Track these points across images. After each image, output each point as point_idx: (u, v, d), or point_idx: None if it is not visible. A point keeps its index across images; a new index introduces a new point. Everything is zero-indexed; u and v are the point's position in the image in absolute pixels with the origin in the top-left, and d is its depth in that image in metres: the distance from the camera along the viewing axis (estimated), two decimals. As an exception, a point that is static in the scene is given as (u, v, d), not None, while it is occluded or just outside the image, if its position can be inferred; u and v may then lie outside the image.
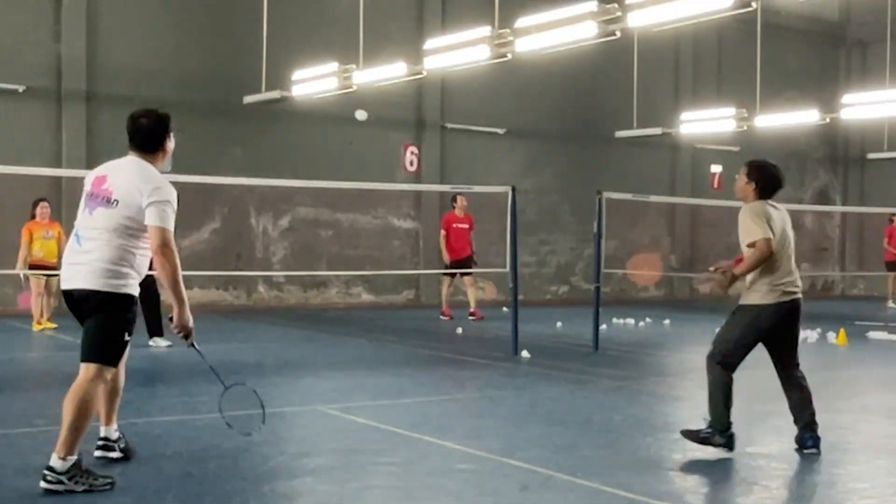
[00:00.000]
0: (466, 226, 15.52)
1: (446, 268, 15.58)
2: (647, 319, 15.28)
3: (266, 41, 15.19)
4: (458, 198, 15.55)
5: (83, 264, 5.03)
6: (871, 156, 23.69)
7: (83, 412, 4.86)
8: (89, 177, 5.26)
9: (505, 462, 5.66)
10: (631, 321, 15.07)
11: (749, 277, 6.06)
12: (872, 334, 13.68)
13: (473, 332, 13.53)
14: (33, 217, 12.66)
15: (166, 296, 5.08)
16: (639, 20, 10.26)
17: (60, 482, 4.78)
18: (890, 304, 19.81)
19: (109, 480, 4.91)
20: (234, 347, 11.21)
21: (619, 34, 10.60)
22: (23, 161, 12.64)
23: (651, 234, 21.67)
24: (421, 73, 13.61)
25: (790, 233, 6.26)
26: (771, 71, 19.53)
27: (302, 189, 16.43)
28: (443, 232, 15.59)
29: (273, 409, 7.39)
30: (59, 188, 15.10)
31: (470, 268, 15.38)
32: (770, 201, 6.29)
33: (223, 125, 16.87)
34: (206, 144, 16.58)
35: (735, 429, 6.13)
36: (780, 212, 6.29)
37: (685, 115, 19.49)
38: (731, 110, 18.00)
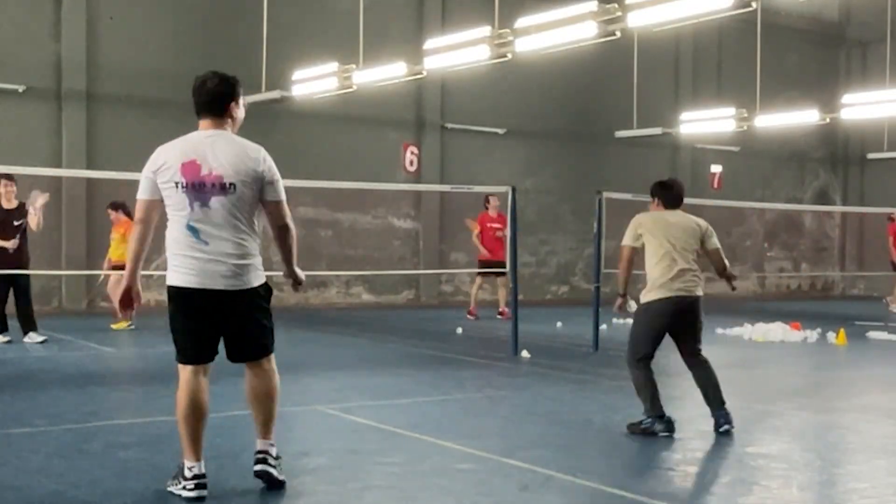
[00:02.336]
0: (500, 226, 15.13)
1: (479, 267, 15.52)
2: (647, 319, 15.25)
3: (266, 41, 15.20)
4: (491, 198, 15.26)
5: (229, 263, 4.73)
6: (871, 156, 23.68)
7: (277, 398, 5.03)
8: (172, 167, 4.75)
9: (505, 462, 5.66)
10: (631, 321, 15.04)
11: (648, 278, 6.69)
12: (872, 334, 13.68)
13: (473, 332, 13.53)
14: None
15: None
16: (639, 20, 10.26)
17: (279, 466, 5.00)
18: (892, 307, 19.74)
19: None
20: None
21: (619, 34, 10.60)
22: (23, 161, 12.63)
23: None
24: (421, 73, 13.61)
25: (686, 238, 6.71)
26: (771, 71, 19.53)
27: (302, 189, 16.42)
28: (477, 230, 15.41)
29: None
30: (59, 188, 15.11)
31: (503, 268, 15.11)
32: (677, 211, 6.92)
33: (223, 125, 16.86)
34: (206, 144, 16.59)
35: (735, 428, 6.12)
36: (679, 219, 6.83)
37: (685, 115, 19.48)
38: (731, 110, 18.00)
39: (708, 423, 7.09)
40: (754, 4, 9.44)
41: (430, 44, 13.06)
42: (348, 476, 5.31)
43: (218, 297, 4.75)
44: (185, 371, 4.84)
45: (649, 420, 6.57)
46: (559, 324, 14.47)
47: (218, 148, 4.78)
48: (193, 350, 4.83)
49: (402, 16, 18.67)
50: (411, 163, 19.02)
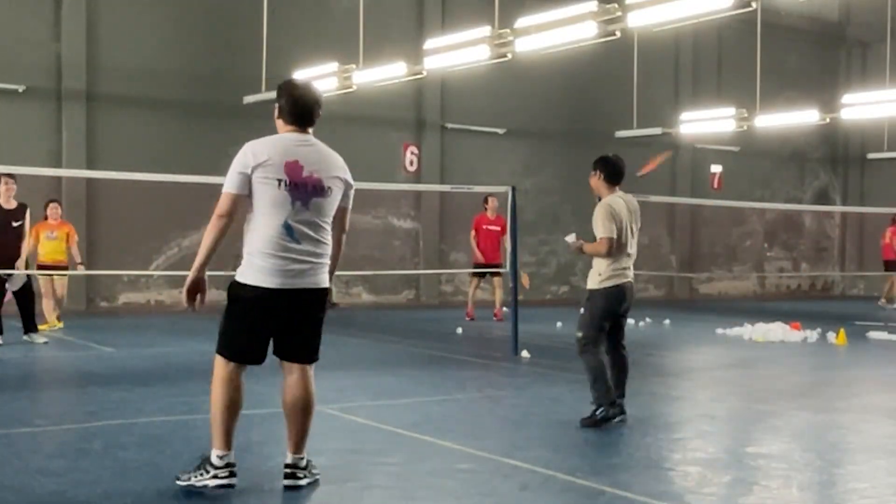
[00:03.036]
0: (497, 228, 15.01)
1: (474, 268, 15.50)
2: (647, 319, 15.28)
3: (266, 41, 15.20)
4: (490, 199, 15.12)
5: (312, 262, 4.81)
6: (871, 156, 23.69)
7: (313, 412, 5.03)
8: (277, 164, 4.73)
9: (505, 462, 5.66)
10: (631, 321, 15.02)
11: (595, 265, 6.89)
12: (872, 334, 13.68)
13: (473, 333, 13.53)
14: (45, 218, 12.50)
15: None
16: (639, 20, 10.26)
17: (306, 475, 5.02)
18: (885, 303, 19.82)
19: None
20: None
21: (619, 34, 10.61)
22: (23, 161, 12.63)
23: (651, 234, 21.66)
24: (421, 73, 13.61)
25: (633, 223, 6.95)
26: (771, 71, 19.53)
27: (302, 189, 16.41)
28: (473, 232, 15.39)
29: (273, 409, 7.39)
30: (59, 188, 15.11)
31: (497, 271, 15.05)
32: (618, 190, 7.03)
33: (223, 125, 16.86)
34: (206, 144, 16.57)
35: (735, 428, 6.13)
36: (631, 203, 7.02)
37: (685, 115, 19.49)
38: (731, 110, 18.00)
39: (708, 423, 7.11)
40: (754, 4, 9.44)
41: (430, 44, 13.07)
42: (348, 476, 5.31)
43: (294, 296, 4.79)
44: (227, 367, 4.85)
45: (602, 410, 6.72)
46: (559, 324, 14.47)
47: (315, 152, 4.89)
48: (249, 351, 4.85)
49: (402, 16, 18.67)
50: (411, 163, 19.02)
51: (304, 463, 5.02)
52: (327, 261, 4.92)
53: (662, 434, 6.71)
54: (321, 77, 14.54)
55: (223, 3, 17.06)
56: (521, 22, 11.33)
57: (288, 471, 4.99)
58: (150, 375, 8.85)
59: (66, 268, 12.58)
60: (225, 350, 4.86)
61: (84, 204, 15.68)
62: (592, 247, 6.88)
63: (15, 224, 10.86)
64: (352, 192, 5.03)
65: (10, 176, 10.92)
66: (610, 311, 6.89)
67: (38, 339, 11.11)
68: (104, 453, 5.76)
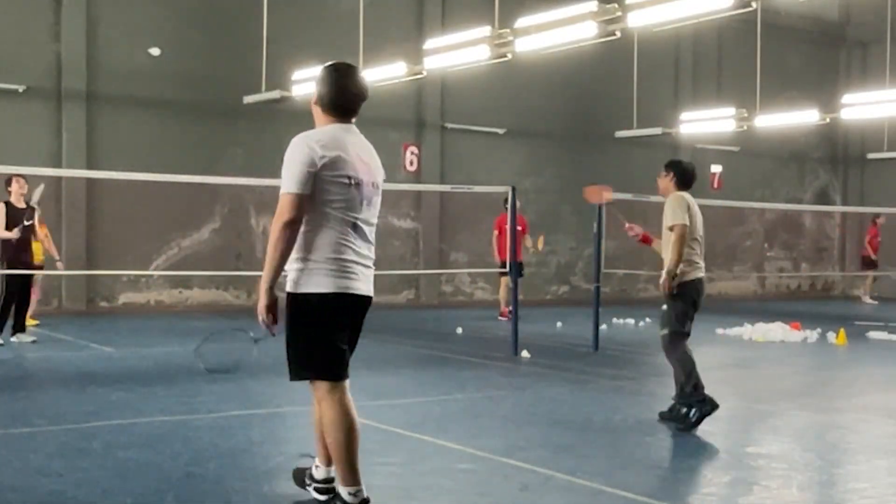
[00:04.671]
0: (519, 228, 15.12)
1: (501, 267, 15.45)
2: (647, 319, 15.28)
3: (266, 41, 15.19)
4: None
5: (370, 268, 4.48)
6: (871, 156, 23.69)
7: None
8: (348, 161, 4.32)
9: (505, 462, 5.66)
10: (631, 321, 15.07)
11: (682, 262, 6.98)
12: (872, 334, 13.68)
13: (473, 332, 13.53)
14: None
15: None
16: (639, 20, 10.25)
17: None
18: (867, 299, 20.00)
19: None
20: (233, 347, 11.18)
21: (619, 34, 10.60)
22: (23, 161, 12.63)
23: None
24: (421, 73, 13.60)
25: (702, 226, 7.29)
26: (771, 71, 19.53)
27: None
28: (496, 232, 15.30)
29: (273, 409, 7.40)
30: (59, 188, 15.11)
31: (520, 271, 15.02)
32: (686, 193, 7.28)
33: (223, 125, 16.88)
34: (206, 144, 16.59)
35: (735, 428, 6.13)
36: (698, 207, 7.34)
37: (685, 115, 19.48)
38: (731, 110, 18.00)
39: (708, 423, 7.09)
40: (754, 4, 9.43)
41: (430, 44, 13.06)
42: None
43: (355, 303, 4.35)
44: (334, 391, 4.30)
45: (695, 411, 6.69)
46: (559, 324, 14.47)
47: (367, 148, 4.52)
48: (340, 363, 4.33)
49: (402, 16, 18.67)
50: (411, 163, 19.02)
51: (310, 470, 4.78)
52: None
53: (662, 434, 6.71)
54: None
55: (223, 3, 17.05)
56: (521, 22, 11.32)
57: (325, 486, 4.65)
58: (150, 375, 8.84)
59: (42, 267, 12.55)
60: (325, 372, 4.30)
61: (84, 204, 15.69)
62: (674, 247, 6.95)
63: (27, 223, 10.90)
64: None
65: (21, 176, 10.99)
66: (692, 304, 6.99)
67: (27, 338, 11.14)
68: (104, 453, 5.76)
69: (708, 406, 6.72)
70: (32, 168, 12.43)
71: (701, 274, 7.04)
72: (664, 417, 7.01)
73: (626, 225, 7.80)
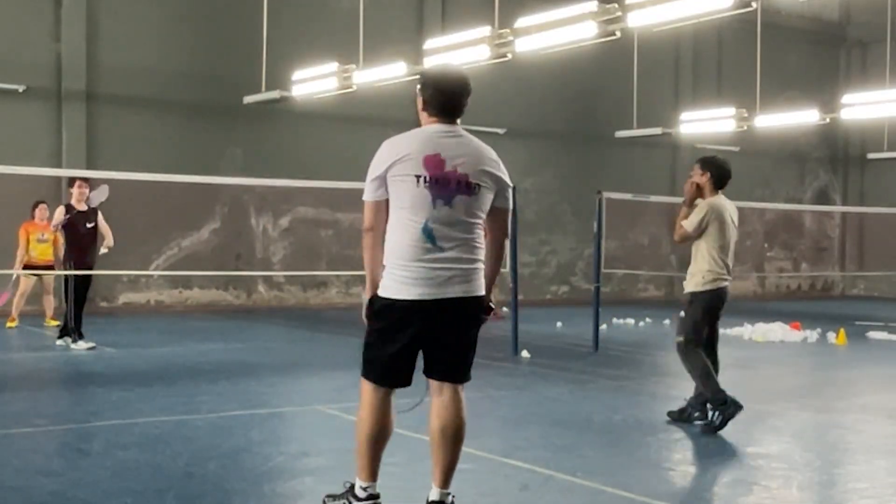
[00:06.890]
0: None
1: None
2: (647, 319, 15.28)
3: (266, 41, 15.19)
4: None
5: (460, 268, 4.22)
6: (871, 156, 23.69)
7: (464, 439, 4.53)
8: (414, 158, 4.20)
9: (505, 462, 5.66)
10: (631, 321, 15.07)
11: (698, 267, 7.04)
12: (872, 334, 13.68)
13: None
14: (32, 218, 12.76)
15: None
16: (639, 20, 10.25)
17: None
18: None
19: None
20: (234, 347, 11.19)
21: (619, 34, 10.59)
22: (23, 161, 12.63)
23: (651, 233, 21.67)
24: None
25: (735, 232, 7.41)
26: (771, 71, 19.53)
27: (302, 189, 16.41)
28: None
29: (273, 409, 7.40)
30: (59, 188, 15.11)
31: None
32: (721, 194, 7.33)
33: (223, 125, 16.87)
34: (206, 144, 16.59)
35: (735, 428, 6.13)
36: (729, 205, 7.38)
37: (685, 115, 19.48)
38: (731, 110, 17.99)
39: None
40: (754, 4, 9.43)
41: (430, 44, 13.06)
42: (348, 476, 5.30)
43: (441, 307, 4.22)
44: (376, 392, 4.39)
45: (718, 414, 6.67)
46: (559, 324, 14.47)
47: (460, 144, 4.39)
48: (397, 372, 4.36)
49: (402, 16, 18.67)
50: (411, 163, 19.00)
51: (450, 500, 4.52)
52: (481, 265, 4.33)
53: (662, 434, 6.70)
54: (321, 77, 14.53)
55: (223, 3, 17.05)
56: (521, 22, 11.32)
57: None
58: (150, 375, 8.84)
59: (52, 267, 12.66)
60: (370, 374, 4.36)
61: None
62: (680, 219, 7.13)
63: (89, 226, 10.85)
64: (510, 193, 4.53)
65: (84, 179, 10.89)
66: (711, 314, 6.97)
67: (84, 344, 10.73)
68: (104, 453, 5.76)
69: (731, 408, 6.67)
70: (32, 168, 12.45)
71: (724, 283, 6.99)
72: (673, 418, 6.99)
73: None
